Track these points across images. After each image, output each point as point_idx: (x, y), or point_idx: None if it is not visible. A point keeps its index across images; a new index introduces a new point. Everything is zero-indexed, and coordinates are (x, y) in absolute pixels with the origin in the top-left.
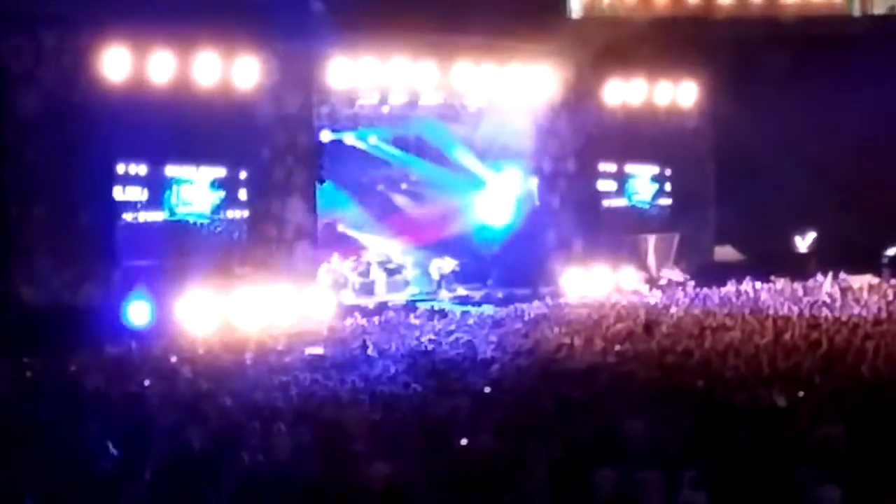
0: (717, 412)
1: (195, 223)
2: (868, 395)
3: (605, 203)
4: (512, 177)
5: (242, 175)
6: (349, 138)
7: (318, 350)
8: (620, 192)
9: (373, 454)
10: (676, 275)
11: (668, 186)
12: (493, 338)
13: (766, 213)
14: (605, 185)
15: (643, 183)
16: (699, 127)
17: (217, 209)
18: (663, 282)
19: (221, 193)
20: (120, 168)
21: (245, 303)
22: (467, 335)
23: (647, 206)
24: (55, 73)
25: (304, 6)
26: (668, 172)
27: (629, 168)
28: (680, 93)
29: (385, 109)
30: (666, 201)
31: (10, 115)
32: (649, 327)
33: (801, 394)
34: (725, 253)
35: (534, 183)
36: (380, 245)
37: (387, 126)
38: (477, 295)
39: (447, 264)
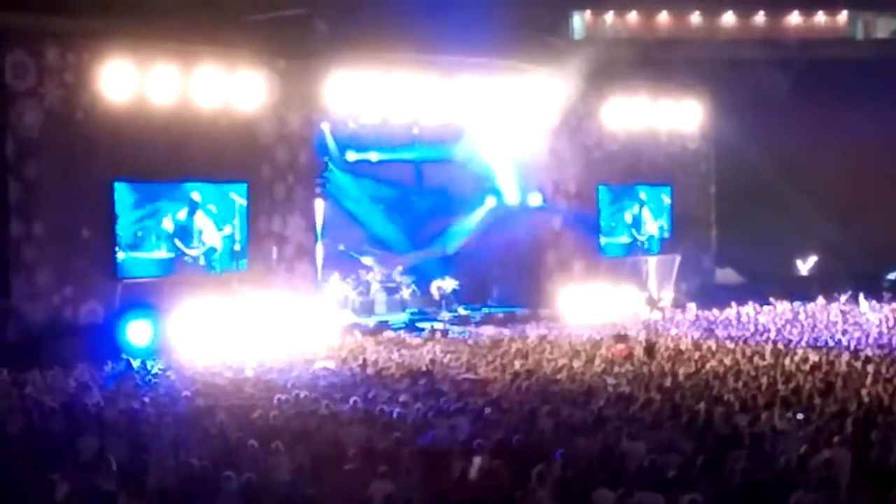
0: (717, 435)
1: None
2: (868, 419)
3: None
4: (512, 197)
5: (243, 193)
6: (351, 155)
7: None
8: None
9: (372, 474)
10: (672, 297)
11: (669, 208)
12: (493, 358)
13: (768, 235)
14: (605, 206)
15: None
16: (700, 148)
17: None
18: (664, 303)
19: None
20: (120, 185)
21: (245, 321)
22: (467, 355)
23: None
24: (57, 90)
25: (307, 25)
26: (669, 194)
27: (629, 189)
28: (681, 114)
29: (386, 129)
30: (666, 223)
31: (13, 130)
32: (650, 349)
33: (800, 416)
34: (726, 275)
35: (535, 202)
36: (380, 264)
37: (387, 145)
38: (477, 315)
39: (447, 284)
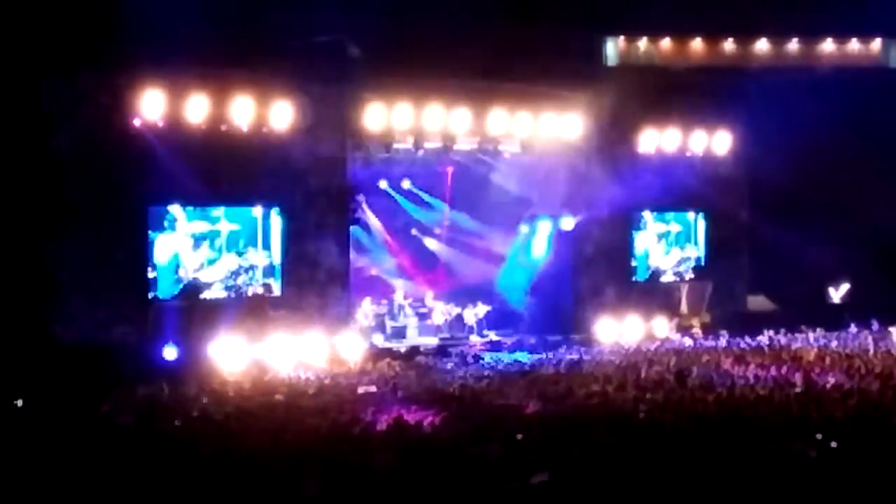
0: (749, 463)
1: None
2: None
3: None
4: (545, 223)
5: (277, 218)
6: (383, 183)
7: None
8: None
9: (404, 500)
10: (704, 323)
11: (702, 234)
12: (525, 384)
13: (800, 263)
14: (638, 231)
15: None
16: (734, 175)
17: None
18: (696, 330)
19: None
20: (154, 209)
21: (277, 345)
22: (499, 381)
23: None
24: (92, 114)
25: (340, 50)
26: (703, 220)
27: (662, 216)
28: (715, 140)
29: (420, 154)
30: (700, 250)
31: (48, 154)
32: (681, 375)
33: (833, 444)
34: (758, 302)
35: (568, 227)
36: (412, 289)
37: (421, 171)
38: (509, 341)
39: (480, 309)
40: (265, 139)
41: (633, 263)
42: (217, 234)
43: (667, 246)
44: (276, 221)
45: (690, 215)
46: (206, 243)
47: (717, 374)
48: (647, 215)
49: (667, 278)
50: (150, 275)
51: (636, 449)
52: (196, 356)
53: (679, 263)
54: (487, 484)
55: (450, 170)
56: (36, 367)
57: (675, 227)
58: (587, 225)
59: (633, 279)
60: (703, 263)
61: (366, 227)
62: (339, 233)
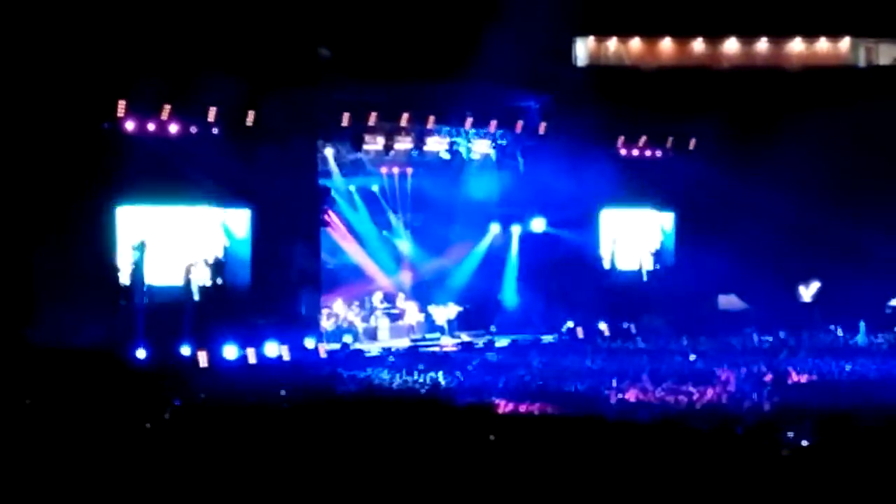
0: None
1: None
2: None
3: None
4: (515, 227)
5: (247, 219)
6: (351, 188)
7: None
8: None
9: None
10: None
11: (673, 233)
12: (499, 384)
13: (772, 261)
14: (609, 231)
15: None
16: (704, 175)
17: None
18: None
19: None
20: (124, 210)
21: (247, 346)
22: (471, 381)
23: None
24: (63, 116)
25: (312, 52)
26: (673, 219)
27: (633, 214)
28: (685, 140)
29: (390, 155)
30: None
31: (16, 156)
32: (654, 374)
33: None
34: (729, 301)
35: (538, 229)
36: (383, 291)
37: (389, 173)
38: (480, 341)
39: (450, 310)
40: (236, 140)
41: (604, 263)
42: (184, 234)
43: (637, 245)
44: (246, 222)
45: (661, 214)
46: (174, 243)
47: (690, 373)
48: (617, 214)
49: (637, 278)
50: (120, 276)
51: (609, 448)
52: (167, 357)
53: (650, 262)
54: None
55: (420, 171)
56: (7, 371)
57: (645, 226)
58: (557, 225)
59: (604, 279)
60: (673, 262)
61: (335, 229)
62: (309, 234)
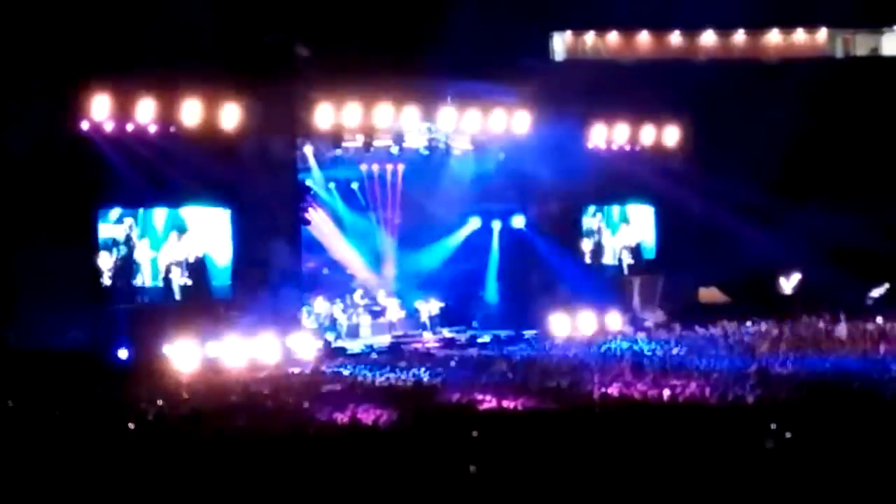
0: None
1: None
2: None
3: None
4: (496, 222)
5: (227, 218)
6: (331, 185)
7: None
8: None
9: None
10: (659, 316)
11: (653, 228)
12: (480, 380)
13: (752, 254)
14: (589, 226)
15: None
16: (683, 168)
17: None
18: (648, 324)
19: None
20: (104, 212)
21: (230, 346)
22: (453, 378)
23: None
24: (40, 118)
25: (288, 49)
26: (653, 214)
27: (613, 209)
28: (664, 133)
29: (370, 152)
30: (650, 243)
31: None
32: (636, 369)
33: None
34: (710, 294)
35: (519, 225)
36: (364, 288)
37: (369, 171)
38: (462, 337)
39: (432, 306)
40: (214, 140)
41: (585, 258)
42: (165, 235)
43: (617, 240)
44: (226, 221)
45: (641, 208)
46: (154, 244)
47: (672, 367)
48: (598, 209)
49: (618, 272)
50: (102, 278)
51: (593, 442)
52: (150, 359)
53: (630, 257)
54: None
55: (400, 167)
56: None
57: (625, 221)
58: (538, 221)
59: (585, 274)
60: (654, 256)
61: (315, 227)
62: (290, 233)
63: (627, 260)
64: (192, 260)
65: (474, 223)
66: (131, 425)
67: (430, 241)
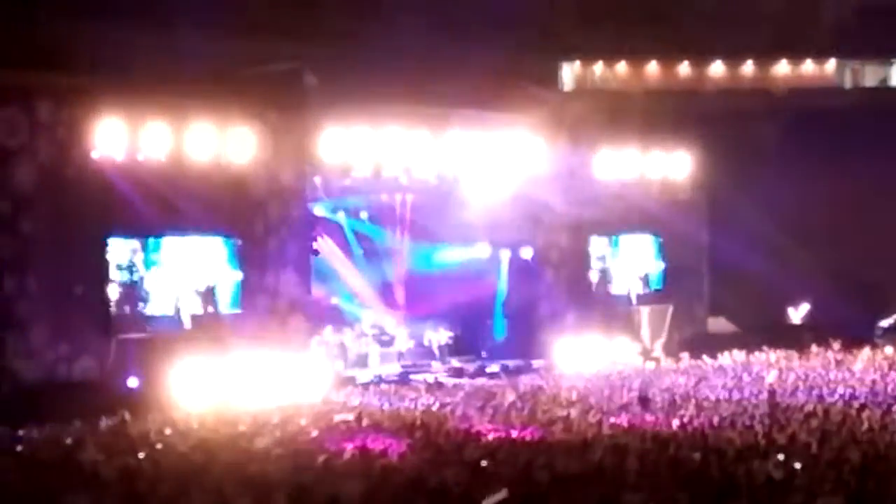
0: (714, 485)
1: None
2: (864, 467)
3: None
4: (505, 252)
5: (235, 248)
6: (340, 214)
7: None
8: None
9: None
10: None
11: (661, 258)
12: (489, 410)
13: (760, 284)
14: (598, 256)
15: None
16: (692, 198)
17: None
18: (657, 353)
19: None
20: (114, 241)
21: (239, 376)
22: (462, 407)
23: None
24: (50, 146)
25: (298, 79)
26: (661, 244)
27: (621, 239)
28: (673, 164)
29: (379, 182)
30: (659, 273)
31: (6, 187)
32: (644, 399)
33: (798, 466)
34: (719, 324)
35: (527, 255)
36: (373, 317)
37: (378, 200)
38: (471, 367)
39: (441, 336)
40: (224, 169)
41: (593, 288)
42: (175, 264)
43: (625, 269)
44: (235, 251)
45: (649, 239)
46: (164, 273)
47: (680, 397)
48: (606, 240)
49: (627, 302)
50: (112, 307)
51: (600, 473)
52: (159, 388)
53: (638, 286)
54: None
55: (409, 197)
56: None
57: (633, 251)
58: (546, 250)
59: (593, 304)
60: (662, 287)
61: (325, 257)
62: (299, 262)
63: (636, 290)
64: (201, 289)
65: (482, 250)
66: (141, 454)
67: (439, 271)
